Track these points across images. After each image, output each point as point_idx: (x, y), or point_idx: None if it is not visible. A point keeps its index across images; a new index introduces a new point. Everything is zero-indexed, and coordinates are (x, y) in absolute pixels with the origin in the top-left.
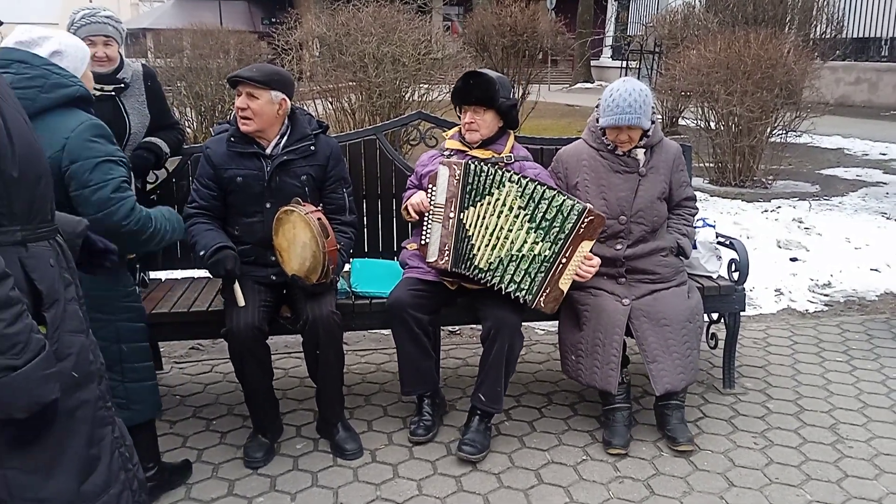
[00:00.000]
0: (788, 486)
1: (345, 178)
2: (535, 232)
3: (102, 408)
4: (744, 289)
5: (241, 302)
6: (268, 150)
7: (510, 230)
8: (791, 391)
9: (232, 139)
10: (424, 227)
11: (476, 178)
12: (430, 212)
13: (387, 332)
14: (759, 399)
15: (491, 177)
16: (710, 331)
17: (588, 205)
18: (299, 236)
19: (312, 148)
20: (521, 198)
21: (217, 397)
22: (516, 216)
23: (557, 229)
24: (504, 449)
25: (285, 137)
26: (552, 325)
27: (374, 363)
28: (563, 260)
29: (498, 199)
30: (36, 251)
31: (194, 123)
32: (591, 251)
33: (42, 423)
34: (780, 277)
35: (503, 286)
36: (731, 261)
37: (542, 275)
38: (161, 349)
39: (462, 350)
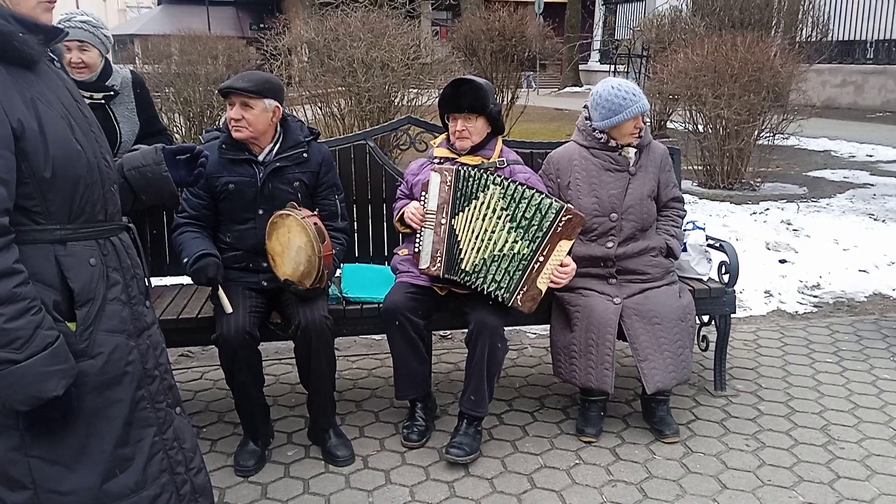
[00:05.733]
0: (781, 488)
1: (336, 185)
2: (515, 231)
3: (146, 409)
4: (734, 291)
5: (228, 309)
6: (260, 157)
7: (493, 231)
8: (782, 392)
9: (224, 146)
10: (417, 235)
11: (465, 183)
12: (423, 220)
13: (378, 337)
14: (751, 401)
15: (477, 180)
16: (701, 333)
17: (568, 204)
18: (294, 240)
19: (305, 155)
20: (503, 199)
21: (207, 405)
22: (499, 217)
23: (536, 227)
24: (496, 453)
25: (278, 144)
26: (543, 329)
27: (365, 368)
28: (541, 258)
29: (483, 202)
30: (75, 250)
31: (183, 129)
32: (572, 252)
33: (61, 417)
34: (770, 279)
35: (485, 287)
36: (721, 263)
37: (520, 273)
38: None
39: (453, 354)
